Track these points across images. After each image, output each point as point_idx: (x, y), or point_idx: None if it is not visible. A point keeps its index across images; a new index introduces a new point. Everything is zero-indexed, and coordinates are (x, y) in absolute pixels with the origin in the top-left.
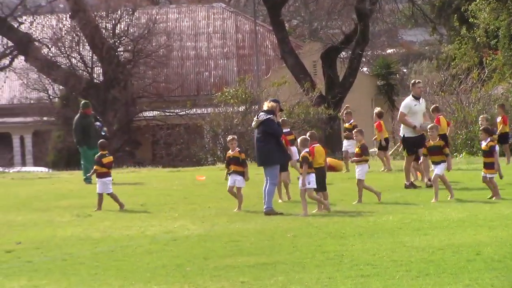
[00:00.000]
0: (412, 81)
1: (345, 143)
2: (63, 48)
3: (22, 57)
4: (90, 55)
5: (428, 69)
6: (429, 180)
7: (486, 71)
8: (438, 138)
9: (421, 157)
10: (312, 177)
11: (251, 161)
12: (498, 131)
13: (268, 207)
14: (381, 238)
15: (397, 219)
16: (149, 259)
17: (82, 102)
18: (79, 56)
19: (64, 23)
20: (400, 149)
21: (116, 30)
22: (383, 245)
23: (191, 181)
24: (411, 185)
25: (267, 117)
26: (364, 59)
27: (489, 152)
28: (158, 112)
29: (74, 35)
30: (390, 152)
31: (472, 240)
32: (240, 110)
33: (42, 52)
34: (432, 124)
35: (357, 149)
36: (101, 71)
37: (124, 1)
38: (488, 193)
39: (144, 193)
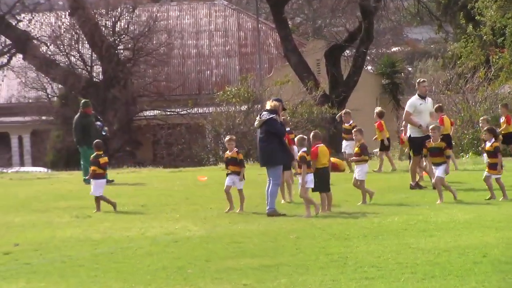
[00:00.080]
0: (418, 80)
1: (344, 143)
2: (62, 46)
3: (20, 56)
4: (90, 53)
5: (434, 68)
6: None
7: (493, 69)
8: (439, 140)
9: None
10: (310, 177)
11: (254, 161)
12: (502, 131)
13: (270, 208)
14: (386, 240)
15: (402, 220)
16: (149, 261)
17: (82, 101)
18: (78, 55)
19: (63, 20)
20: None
21: (116, 27)
22: (388, 247)
23: (192, 181)
24: (417, 186)
25: (270, 116)
26: (368, 58)
27: (493, 153)
28: (159, 112)
29: (73, 33)
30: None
31: (478, 241)
32: (243, 109)
33: (41, 50)
34: (434, 125)
35: (356, 149)
36: (100, 69)
37: None
38: (487, 194)
39: (144, 193)
